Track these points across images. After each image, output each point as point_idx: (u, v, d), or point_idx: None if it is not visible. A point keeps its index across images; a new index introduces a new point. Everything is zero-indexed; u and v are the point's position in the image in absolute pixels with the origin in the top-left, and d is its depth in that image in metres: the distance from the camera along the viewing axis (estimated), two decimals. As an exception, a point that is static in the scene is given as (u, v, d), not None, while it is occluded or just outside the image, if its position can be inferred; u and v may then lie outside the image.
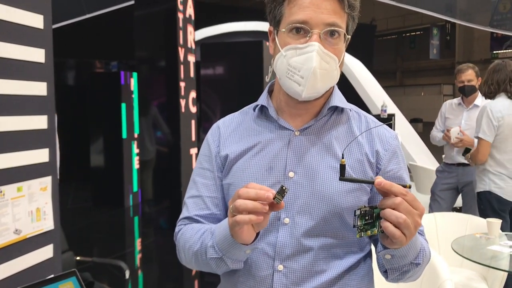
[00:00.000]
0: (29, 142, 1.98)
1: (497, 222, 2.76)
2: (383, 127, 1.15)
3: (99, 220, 6.40)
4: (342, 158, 0.96)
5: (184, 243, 1.15)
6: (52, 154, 2.11)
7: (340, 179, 0.96)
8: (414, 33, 23.93)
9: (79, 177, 7.60)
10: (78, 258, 2.70)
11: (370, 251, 1.21)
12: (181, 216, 1.23)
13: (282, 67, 1.08)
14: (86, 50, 8.72)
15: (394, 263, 1.01)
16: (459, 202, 4.30)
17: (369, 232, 0.94)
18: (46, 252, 2.07)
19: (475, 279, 2.90)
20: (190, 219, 1.20)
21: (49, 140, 2.10)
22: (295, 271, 1.08)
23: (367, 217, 0.94)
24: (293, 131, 1.14)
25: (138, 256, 4.96)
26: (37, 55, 2.02)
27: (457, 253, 2.62)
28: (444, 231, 3.15)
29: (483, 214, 3.30)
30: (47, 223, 2.08)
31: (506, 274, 2.69)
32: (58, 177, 2.22)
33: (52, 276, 1.97)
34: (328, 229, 1.09)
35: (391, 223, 0.89)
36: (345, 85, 10.72)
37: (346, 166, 1.04)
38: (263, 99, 1.21)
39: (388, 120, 6.87)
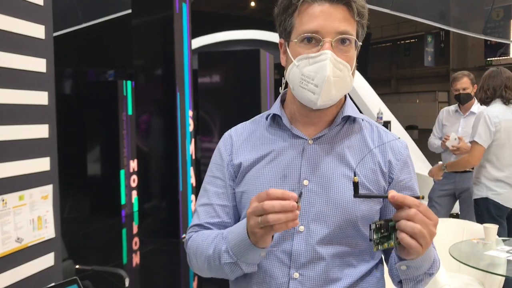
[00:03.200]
0: (31, 151, 1.99)
1: (494, 227, 2.78)
2: (393, 136, 1.18)
3: (96, 228, 6.39)
4: (355, 175, 0.97)
5: (195, 249, 1.15)
6: (53, 163, 2.12)
7: (354, 197, 0.97)
8: (408, 41, 24.10)
9: (75, 186, 7.60)
10: (77, 266, 2.70)
11: (382, 259, 1.22)
12: (192, 223, 1.24)
13: (296, 77, 1.09)
14: (82, 59, 8.74)
15: (410, 274, 1.03)
16: (456, 208, 4.32)
17: (386, 245, 0.95)
18: (47, 260, 2.08)
19: (473, 284, 2.92)
20: (201, 227, 1.20)
21: (50, 149, 2.11)
22: (311, 279, 1.08)
23: (382, 230, 0.95)
24: (306, 139, 1.15)
25: (136, 264, 4.96)
26: (38, 65, 2.04)
27: (454, 258, 2.64)
28: (441, 237, 3.16)
29: (480, 220, 3.32)
30: (48, 232, 2.09)
31: (503, 279, 2.71)
32: (59, 185, 2.23)
33: (53, 284, 1.98)
34: (342, 237, 1.10)
35: (407, 234, 0.91)
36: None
37: (360, 175, 1.08)
38: (276, 108, 1.21)
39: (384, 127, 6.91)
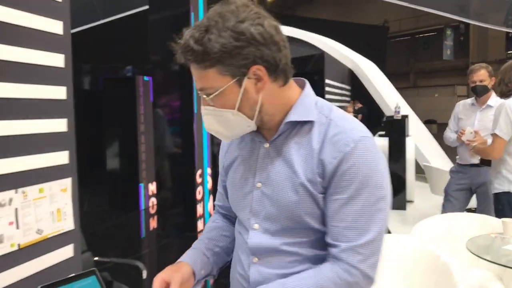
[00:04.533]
0: (50, 145, 2.03)
1: (512, 222, 2.75)
2: (345, 134, 1.12)
3: (115, 223, 6.48)
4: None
5: None
6: (71, 156, 2.16)
7: None
8: (427, 34, 23.78)
9: (94, 181, 7.70)
10: (96, 258, 2.75)
11: None
12: (216, 201, 1.49)
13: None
14: (101, 55, 8.84)
15: None
16: (473, 203, 4.28)
17: None
18: (66, 252, 2.13)
19: (491, 279, 2.89)
20: (216, 207, 1.48)
21: (69, 142, 2.16)
22: (268, 263, 1.21)
23: None
24: (263, 143, 1.21)
25: (154, 258, 5.02)
26: (56, 60, 2.08)
27: (472, 252, 2.62)
28: (458, 232, 3.14)
29: (501, 214, 3.27)
30: (68, 224, 2.13)
31: (522, 274, 2.68)
32: (78, 178, 2.27)
33: (73, 275, 2.02)
34: (293, 231, 1.18)
35: None
36: (358, 87, 10.72)
37: (302, 176, 1.13)
38: None
39: (402, 121, 6.86)
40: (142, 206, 7.13)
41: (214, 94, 1.09)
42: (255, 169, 1.21)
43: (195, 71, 1.10)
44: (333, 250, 1.13)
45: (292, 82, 1.19)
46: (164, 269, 1.23)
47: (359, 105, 10.49)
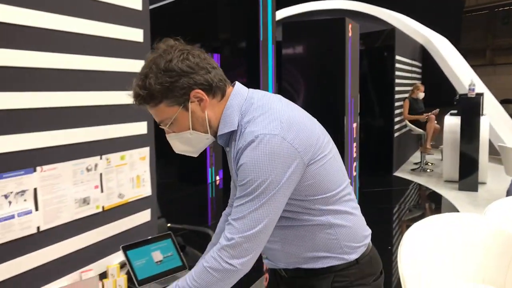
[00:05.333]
0: (130, 115, 2.17)
1: None
2: (244, 137, 1.27)
3: (185, 194, 6.75)
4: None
5: None
6: (149, 127, 2.29)
7: None
8: (507, 8, 22.30)
9: (165, 154, 8.01)
10: (169, 225, 2.91)
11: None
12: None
13: None
14: (170, 31, 9.07)
15: None
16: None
17: None
18: (144, 216, 2.28)
19: None
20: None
21: (147, 114, 2.28)
22: None
23: None
24: (225, 148, 1.42)
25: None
26: (136, 35, 2.19)
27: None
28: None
29: None
30: (146, 190, 2.27)
31: None
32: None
33: (150, 237, 2.17)
34: None
35: None
36: (431, 64, 10.32)
37: (234, 173, 1.34)
38: None
39: (476, 99, 6.56)
40: (209, 180, 7.36)
41: (170, 123, 1.31)
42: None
43: (150, 110, 1.32)
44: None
45: (229, 92, 1.35)
46: None
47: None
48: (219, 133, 1.34)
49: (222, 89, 1.32)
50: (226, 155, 1.43)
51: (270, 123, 1.24)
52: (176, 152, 1.41)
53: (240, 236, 1.22)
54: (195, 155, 1.44)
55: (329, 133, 1.44)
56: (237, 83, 1.39)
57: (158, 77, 1.24)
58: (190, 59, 1.26)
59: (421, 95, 8.53)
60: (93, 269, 1.95)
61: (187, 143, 1.36)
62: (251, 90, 1.39)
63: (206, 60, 1.30)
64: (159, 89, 1.24)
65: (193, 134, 1.33)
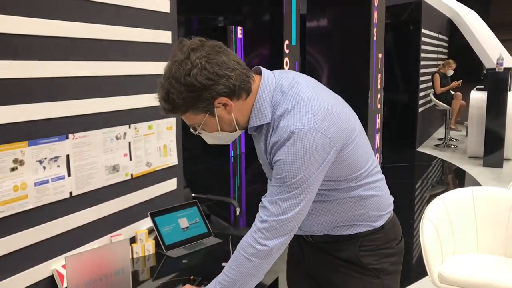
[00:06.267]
0: (157, 86, 2.20)
1: None
2: (279, 130, 1.29)
3: (208, 166, 6.85)
4: None
5: None
6: (176, 97, 2.33)
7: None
8: (540, -20, 21.46)
9: (188, 127, 8.08)
10: (193, 194, 2.97)
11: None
12: None
13: None
14: (193, 6, 9.05)
15: None
16: None
17: None
18: (171, 184, 2.34)
19: None
20: None
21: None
22: None
23: None
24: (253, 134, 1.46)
25: (243, 200, 5.28)
26: (163, 6, 2.22)
27: None
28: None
29: None
30: (172, 159, 2.33)
31: None
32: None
33: (177, 205, 2.23)
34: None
35: None
36: (458, 38, 10.09)
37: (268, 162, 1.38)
38: None
39: (505, 74, 6.42)
40: (232, 153, 7.43)
41: (200, 127, 1.36)
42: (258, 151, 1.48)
43: (179, 116, 1.36)
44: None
45: (255, 83, 1.34)
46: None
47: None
48: (251, 125, 1.36)
49: (246, 89, 1.31)
50: (253, 137, 1.46)
51: (303, 116, 1.26)
52: (209, 142, 1.44)
53: (274, 219, 1.27)
54: (228, 143, 1.48)
55: (352, 106, 1.46)
56: (262, 70, 1.38)
57: (180, 92, 1.25)
58: (209, 69, 1.24)
59: (450, 72, 8.38)
60: (122, 234, 2.03)
61: (219, 139, 1.41)
62: (277, 74, 1.38)
63: (225, 63, 1.26)
64: (182, 103, 1.27)
65: (222, 134, 1.38)
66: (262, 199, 1.33)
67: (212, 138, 1.40)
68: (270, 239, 1.27)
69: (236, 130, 1.38)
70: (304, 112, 1.26)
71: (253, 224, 1.32)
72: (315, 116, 1.25)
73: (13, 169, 1.58)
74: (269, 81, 1.35)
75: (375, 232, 1.43)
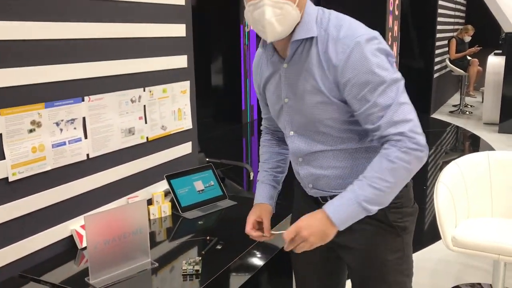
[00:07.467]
0: (171, 48, 2.19)
1: None
2: (343, 40, 1.23)
3: (220, 134, 6.87)
4: None
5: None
6: (190, 61, 2.32)
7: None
8: None
9: (199, 96, 8.10)
10: (208, 159, 2.99)
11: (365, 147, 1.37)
12: (262, 115, 1.68)
13: (249, 19, 1.27)
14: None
15: None
16: None
17: None
18: (186, 148, 2.35)
19: None
20: (264, 120, 1.67)
21: (187, 47, 2.30)
22: (309, 162, 1.43)
23: None
24: (282, 64, 1.36)
25: (256, 164, 5.31)
26: (176, -33, 2.18)
27: None
28: None
29: None
30: (187, 123, 2.33)
31: None
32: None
33: (192, 168, 2.25)
34: (316, 132, 1.37)
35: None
36: (476, 1, 9.82)
37: (322, 87, 1.27)
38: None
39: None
40: (243, 120, 7.44)
41: None
42: (281, 87, 1.38)
43: None
44: (377, 134, 1.26)
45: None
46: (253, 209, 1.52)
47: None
48: (296, 37, 1.28)
49: None
50: (282, 76, 1.36)
51: (359, 27, 1.26)
52: (263, 20, 1.22)
53: (406, 119, 1.22)
54: (269, 38, 1.27)
55: None
56: None
57: None
58: None
59: (468, 38, 8.20)
60: (139, 196, 2.05)
61: (282, 21, 1.23)
62: None
63: None
64: None
65: (295, 12, 1.24)
66: (381, 123, 1.23)
67: (274, 14, 1.21)
68: (417, 144, 1.22)
69: (298, 20, 1.27)
70: (358, 24, 1.27)
71: (387, 147, 1.24)
72: (366, 27, 1.27)
73: (31, 131, 1.60)
74: (311, 2, 1.33)
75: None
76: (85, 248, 1.68)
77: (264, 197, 1.55)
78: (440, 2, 8.06)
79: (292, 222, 1.53)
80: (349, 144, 1.36)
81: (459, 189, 2.61)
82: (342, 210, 1.25)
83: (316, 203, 1.45)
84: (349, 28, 1.25)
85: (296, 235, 1.26)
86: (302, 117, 1.36)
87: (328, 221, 1.25)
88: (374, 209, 1.25)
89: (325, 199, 1.43)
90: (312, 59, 1.29)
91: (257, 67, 1.51)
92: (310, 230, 1.25)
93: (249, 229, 1.45)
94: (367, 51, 1.21)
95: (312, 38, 1.29)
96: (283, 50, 1.35)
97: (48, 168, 1.67)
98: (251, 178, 2.85)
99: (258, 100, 1.60)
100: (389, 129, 1.22)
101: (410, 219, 1.44)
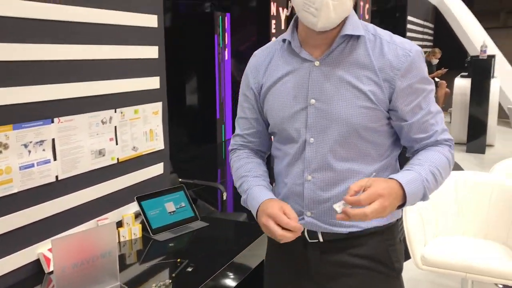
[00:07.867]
0: (143, 70, 2.20)
1: None
2: (401, 45, 1.22)
3: (195, 154, 6.83)
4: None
5: (233, 170, 1.47)
6: (162, 82, 2.32)
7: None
8: (524, -32, 21.60)
9: (174, 116, 8.07)
10: (180, 179, 2.98)
11: (393, 164, 1.34)
12: (235, 132, 1.51)
13: (299, 1, 1.18)
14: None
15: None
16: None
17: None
18: (157, 169, 2.34)
19: None
20: (241, 137, 1.48)
21: (159, 69, 2.31)
22: (321, 180, 1.27)
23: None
24: (313, 62, 1.26)
25: (230, 185, 5.30)
26: (149, -11, 2.20)
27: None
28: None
29: None
30: (159, 144, 2.33)
31: None
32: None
33: (164, 189, 2.24)
34: (346, 144, 1.24)
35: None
36: (443, 25, 10.15)
37: (367, 90, 1.20)
38: (288, 33, 1.30)
39: (488, 61, 6.49)
40: (218, 140, 7.43)
41: None
42: (307, 87, 1.26)
43: None
44: (429, 141, 1.27)
45: None
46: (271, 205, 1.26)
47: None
48: (346, 32, 1.21)
49: None
50: (304, 74, 1.27)
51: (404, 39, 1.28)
52: (322, 4, 1.14)
53: (448, 132, 1.30)
54: (316, 28, 1.18)
55: None
56: None
57: None
58: None
59: (435, 61, 8.44)
60: (108, 218, 2.03)
61: (337, 8, 1.15)
62: None
63: None
64: None
65: (349, 3, 1.18)
66: (430, 126, 1.26)
67: (343, 6, 1.16)
68: (452, 148, 1.30)
69: (349, 13, 1.21)
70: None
71: (435, 148, 1.27)
72: None
73: (-3, 153, 1.58)
74: None
75: (393, 223, 1.35)
76: (52, 272, 1.65)
77: (268, 194, 1.30)
78: (408, 26, 8.30)
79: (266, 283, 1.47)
80: (369, 158, 1.27)
81: (427, 208, 2.67)
82: (413, 186, 1.15)
83: (303, 244, 1.32)
84: (397, 36, 1.27)
85: (374, 194, 1.08)
86: (329, 122, 1.23)
87: (400, 192, 1.13)
88: (427, 197, 1.20)
89: (314, 236, 1.30)
90: (358, 59, 1.22)
91: (262, 67, 1.37)
92: (389, 191, 1.10)
93: (287, 220, 1.17)
94: (422, 60, 1.25)
95: (358, 36, 1.23)
96: (316, 47, 1.26)
97: (15, 190, 1.64)
98: (225, 198, 2.84)
99: (233, 119, 1.54)
100: (441, 135, 1.27)
101: (403, 257, 1.37)
